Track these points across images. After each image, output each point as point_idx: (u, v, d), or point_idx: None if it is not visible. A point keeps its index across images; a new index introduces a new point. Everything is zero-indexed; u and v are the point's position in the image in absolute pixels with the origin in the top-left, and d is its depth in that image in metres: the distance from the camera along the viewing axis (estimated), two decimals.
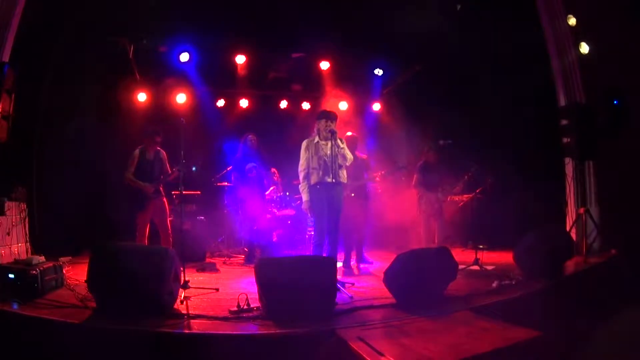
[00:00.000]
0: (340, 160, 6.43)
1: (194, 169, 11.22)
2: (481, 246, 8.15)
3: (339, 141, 6.46)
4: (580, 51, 8.53)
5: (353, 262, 7.96)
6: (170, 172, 7.71)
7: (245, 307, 4.88)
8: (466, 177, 8.44)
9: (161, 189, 7.75)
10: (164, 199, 7.77)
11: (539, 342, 3.88)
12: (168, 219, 7.86)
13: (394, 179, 9.10)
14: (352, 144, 7.78)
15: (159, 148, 7.78)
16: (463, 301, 5.28)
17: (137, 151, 7.67)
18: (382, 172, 8.29)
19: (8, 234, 6.90)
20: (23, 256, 6.93)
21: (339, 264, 6.74)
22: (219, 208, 10.03)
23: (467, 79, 9.80)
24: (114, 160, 9.79)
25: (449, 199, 9.06)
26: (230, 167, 9.20)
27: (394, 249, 8.82)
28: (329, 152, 6.34)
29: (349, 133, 8.09)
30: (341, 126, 6.89)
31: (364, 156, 8.28)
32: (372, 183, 8.39)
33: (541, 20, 8.80)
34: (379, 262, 8.25)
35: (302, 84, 11.97)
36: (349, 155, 6.57)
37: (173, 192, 8.64)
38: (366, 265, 8.18)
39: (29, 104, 7.82)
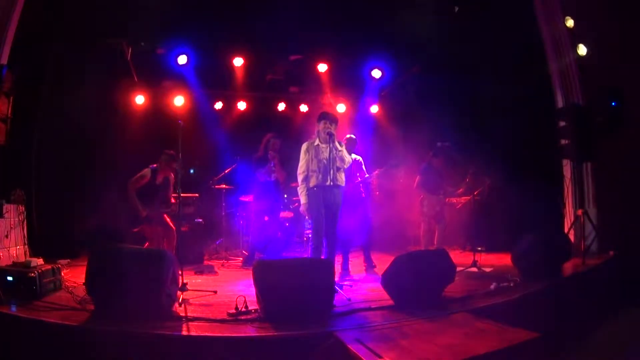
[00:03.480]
0: (338, 163, 6.42)
1: (192, 171, 11.23)
2: (479, 248, 8.16)
3: (337, 144, 6.45)
4: (578, 53, 8.55)
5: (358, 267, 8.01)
6: (171, 201, 7.68)
7: (244, 309, 4.88)
8: (467, 179, 8.43)
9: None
10: (165, 216, 7.71)
11: (537, 344, 3.88)
12: (170, 222, 7.80)
13: (389, 177, 9.07)
14: (350, 146, 7.87)
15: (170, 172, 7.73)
16: (461, 303, 5.28)
17: (148, 171, 7.54)
18: (376, 172, 8.26)
19: (6, 236, 6.89)
20: (21, 259, 6.92)
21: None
22: (217, 210, 10.01)
23: (464, 81, 9.81)
24: (113, 162, 9.83)
25: (448, 200, 9.06)
26: (230, 169, 9.15)
27: (393, 251, 8.82)
28: (327, 155, 6.34)
29: (349, 135, 8.09)
30: (339, 129, 6.86)
31: (359, 158, 8.26)
32: (365, 183, 8.31)
33: (539, 22, 8.83)
34: (378, 264, 8.24)
35: (299, 86, 11.97)
36: (347, 158, 6.56)
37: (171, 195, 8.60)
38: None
39: (27, 106, 7.82)
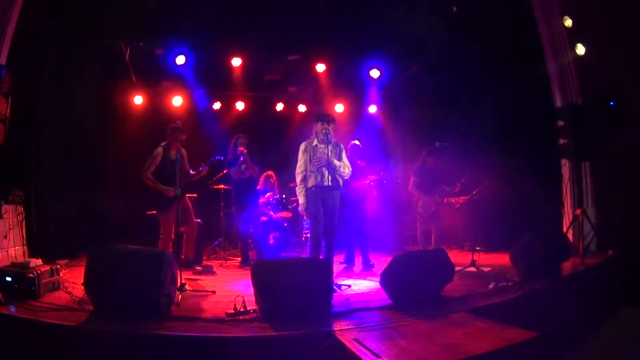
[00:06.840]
0: (340, 171, 6.41)
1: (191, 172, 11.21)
2: (478, 248, 8.15)
3: (344, 158, 6.51)
4: (576, 52, 8.55)
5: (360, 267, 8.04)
6: (192, 172, 7.48)
7: (242, 309, 4.88)
8: (463, 179, 8.41)
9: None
10: (187, 198, 7.57)
11: (536, 343, 3.88)
12: (193, 217, 7.72)
13: (382, 187, 9.08)
14: (356, 152, 8.21)
15: (181, 146, 7.54)
16: (460, 302, 5.29)
17: (159, 149, 7.32)
18: (372, 179, 8.23)
19: (5, 237, 6.88)
20: (20, 259, 6.90)
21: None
22: (215, 211, 10.00)
23: (463, 81, 9.81)
24: (111, 163, 9.83)
25: (445, 200, 9.05)
26: (226, 170, 9.17)
27: (391, 251, 8.82)
28: (326, 155, 6.33)
29: (356, 141, 8.19)
30: (339, 130, 6.89)
31: (362, 164, 8.28)
32: (363, 186, 8.30)
33: (537, 22, 8.83)
34: (376, 264, 8.24)
35: (298, 86, 11.97)
36: (348, 170, 6.57)
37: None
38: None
39: (26, 106, 7.80)
